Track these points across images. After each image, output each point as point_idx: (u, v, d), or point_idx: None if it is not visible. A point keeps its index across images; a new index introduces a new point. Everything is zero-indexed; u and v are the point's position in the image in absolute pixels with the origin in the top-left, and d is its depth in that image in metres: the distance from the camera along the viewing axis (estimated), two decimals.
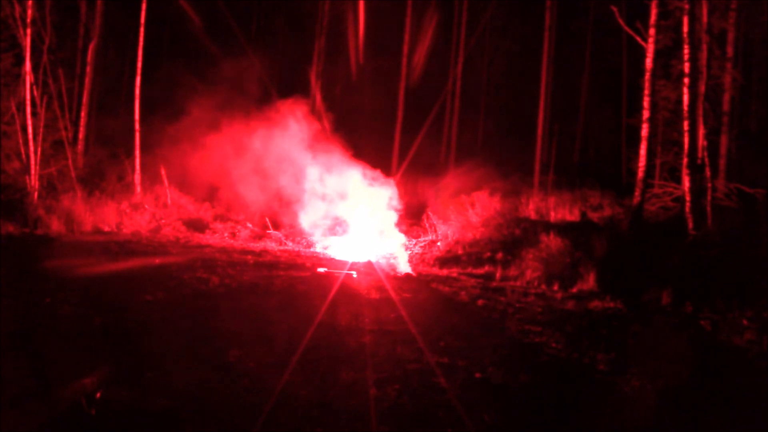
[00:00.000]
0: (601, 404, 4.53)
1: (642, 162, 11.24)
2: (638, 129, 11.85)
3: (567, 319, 6.69)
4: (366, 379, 4.56)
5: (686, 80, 10.84)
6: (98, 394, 3.87)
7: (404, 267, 9.60)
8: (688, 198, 10.64)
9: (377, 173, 12.09)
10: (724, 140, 14.09)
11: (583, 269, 8.47)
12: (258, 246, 10.82)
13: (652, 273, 8.23)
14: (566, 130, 24.17)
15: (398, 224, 13.01)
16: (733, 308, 6.98)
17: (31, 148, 12.35)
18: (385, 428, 3.89)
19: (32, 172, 12.32)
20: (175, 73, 13.84)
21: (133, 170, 13.49)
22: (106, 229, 11.39)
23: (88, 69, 15.21)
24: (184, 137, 12.63)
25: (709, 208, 11.02)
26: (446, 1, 22.39)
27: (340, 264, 9.23)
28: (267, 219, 12.06)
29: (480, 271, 9.31)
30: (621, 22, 12.06)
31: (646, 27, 11.22)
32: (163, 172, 13.29)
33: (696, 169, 10.91)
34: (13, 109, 12.55)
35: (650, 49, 11.16)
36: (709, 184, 11.35)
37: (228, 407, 4.01)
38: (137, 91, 13.55)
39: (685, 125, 10.79)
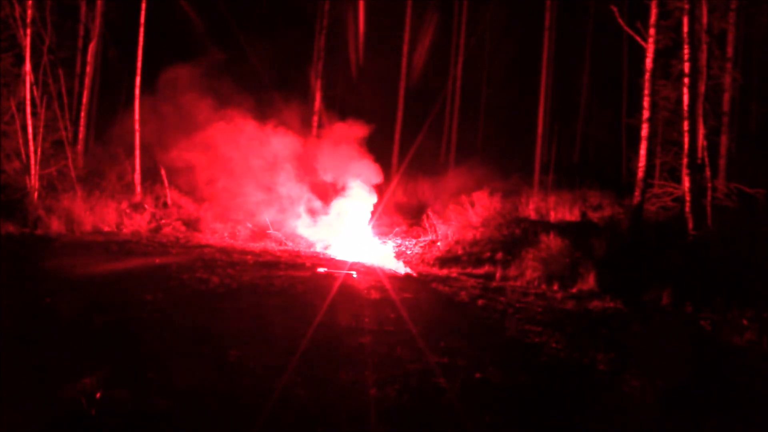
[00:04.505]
0: (601, 404, 4.53)
1: (642, 162, 11.24)
2: (638, 129, 11.84)
3: (567, 319, 6.69)
4: (366, 379, 4.56)
5: (686, 80, 10.83)
6: (98, 394, 3.87)
7: (404, 267, 9.60)
8: (688, 198, 10.64)
9: (377, 173, 12.10)
10: (724, 140, 14.09)
11: (583, 269, 8.47)
12: (258, 246, 10.82)
13: (652, 273, 8.23)
14: (566, 130, 24.17)
15: (398, 224, 13.02)
16: (733, 308, 6.98)
17: (31, 148, 12.35)
18: (385, 428, 3.89)
19: (32, 172, 12.31)
20: (174, 73, 13.82)
21: (133, 170, 13.48)
22: (106, 229, 11.38)
23: (88, 69, 15.20)
24: (184, 137, 12.63)
25: (709, 208, 11.02)
26: (446, 1, 22.38)
27: (340, 264, 9.22)
28: (267, 219, 12.06)
29: (480, 271, 9.31)
30: (621, 22, 12.05)
31: (646, 27, 11.22)
32: (162, 171, 13.28)
33: (696, 169, 10.91)
34: (13, 109, 12.54)
35: (650, 49, 11.16)
36: (709, 184, 11.35)
37: (228, 407, 4.01)
38: (137, 91, 13.54)
39: (685, 125, 10.79)
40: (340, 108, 20.54)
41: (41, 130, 12.62)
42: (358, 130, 12.46)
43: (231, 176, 12.64)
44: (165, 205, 12.92)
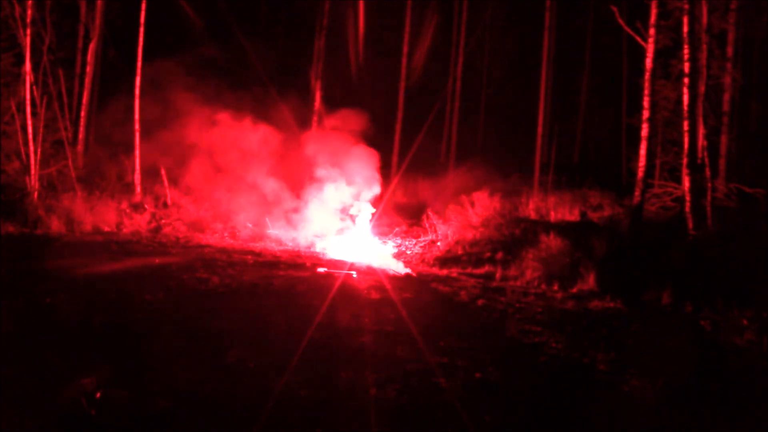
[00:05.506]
0: (601, 404, 4.53)
1: (642, 162, 11.24)
2: (638, 129, 11.84)
3: (567, 319, 6.68)
4: (366, 379, 4.56)
5: (686, 80, 10.83)
6: (98, 394, 3.87)
7: (404, 267, 9.60)
8: (688, 198, 10.64)
9: (377, 173, 12.10)
10: (724, 140, 14.10)
11: (583, 269, 8.46)
12: (258, 246, 10.82)
13: (652, 273, 8.22)
14: (566, 130, 24.17)
15: (398, 224, 13.02)
16: (733, 308, 6.97)
17: (31, 148, 12.35)
18: (385, 428, 3.89)
19: (32, 172, 12.32)
20: (174, 73, 13.83)
21: (133, 170, 13.48)
22: (106, 229, 11.38)
23: (88, 69, 15.20)
24: (184, 137, 12.63)
25: (709, 208, 11.02)
26: (446, 1, 22.38)
27: (340, 264, 9.23)
28: (267, 219, 12.06)
29: (480, 271, 9.31)
30: (621, 22, 12.05)
31: (646, 27, 11.22)
32: (163, 172, 13.28)
33: (696, 169, 10.91)
34: (13, 109, 12.55)
35: (650, 49, 11.16)
36: (709, 184, 11.35)
37: (228, 407, 4.01)
38: (137, 91, 13.53)
39: (685, 125, 10.79)
40: (340, 108, 20.53)
41: (41, 130, 12.63)
42: (357, 130, 12.46)
43: (231, 176, 12.64)
44: (165, 205, 12.91)
